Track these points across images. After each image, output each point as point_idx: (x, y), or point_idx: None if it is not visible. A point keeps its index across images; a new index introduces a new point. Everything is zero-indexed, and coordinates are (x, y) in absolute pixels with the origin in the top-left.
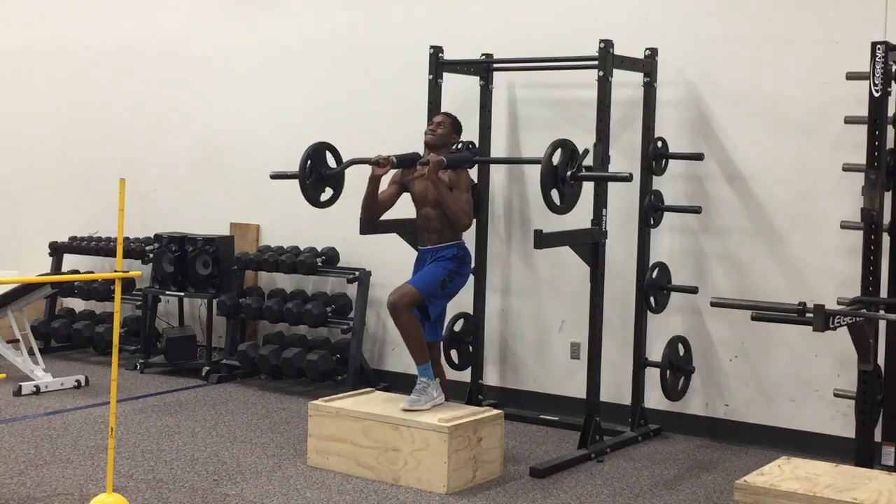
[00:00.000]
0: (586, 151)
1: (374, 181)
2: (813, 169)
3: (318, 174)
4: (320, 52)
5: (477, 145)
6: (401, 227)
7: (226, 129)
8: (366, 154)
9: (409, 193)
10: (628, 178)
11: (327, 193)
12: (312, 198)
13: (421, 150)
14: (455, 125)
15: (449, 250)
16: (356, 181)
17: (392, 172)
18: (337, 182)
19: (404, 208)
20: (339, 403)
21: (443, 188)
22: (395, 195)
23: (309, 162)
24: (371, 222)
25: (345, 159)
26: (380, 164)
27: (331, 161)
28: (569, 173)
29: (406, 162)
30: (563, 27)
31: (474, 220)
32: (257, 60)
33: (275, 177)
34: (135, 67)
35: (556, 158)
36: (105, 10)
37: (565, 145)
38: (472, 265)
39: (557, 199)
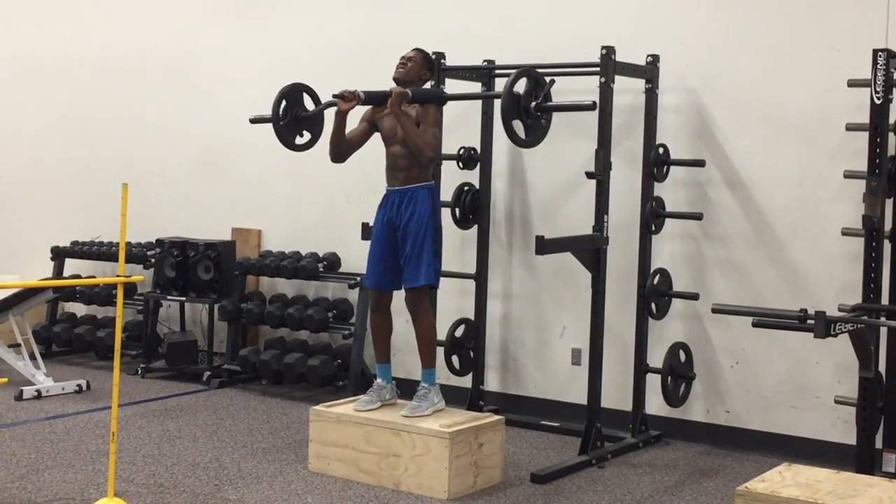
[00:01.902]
0: (552, 81)
1: (340, 116)
2: (814, 176)
3: (294, 116)
4: (322, 58)
5: (479, 151)
6: None
7: (228, 135)
8: (371, 158)
9: (379, 134)
10: (591, 107)
11: (304, 137)
12: (287, 140)
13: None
14: (426, 61)
15: (420, 193)
16: (357, 182)
17: (363, 110)
18: (314, 125)
19: None
20: (341, 409)
21: (405, 120)
22: (364, 133)
23: (284, 103)
24: (339, 160)
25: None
26: (345, 98)
27: (309, 104)
28: (533, 104)
29: (375, 99)
30: (564, 33)
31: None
32: (259, 66)
33: (254, 120)
34: (137, 72)
35: (521, 88)
36: (107, 15)
37: (529, 74)
38: (474, 271)
39: (522, 132)
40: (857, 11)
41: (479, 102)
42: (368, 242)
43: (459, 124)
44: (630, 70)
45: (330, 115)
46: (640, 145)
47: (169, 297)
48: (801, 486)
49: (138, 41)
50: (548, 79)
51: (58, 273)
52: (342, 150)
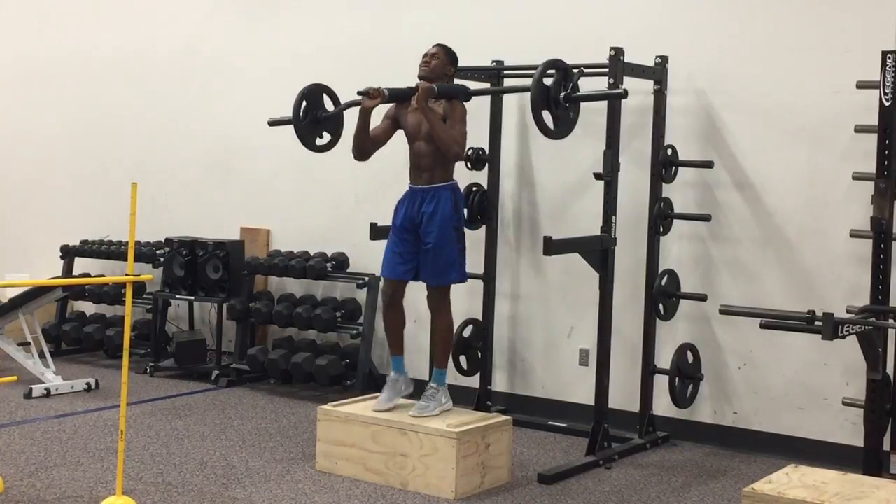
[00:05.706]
0: (581, 72)
1: (364, 114)
2: (823, 177)
3: (314, 117)
4: (331, 58)
5: (487, 151)
6: None
7: (237, 134)
8: (380, 158)
9: (402, 130)
10: (623, 95)
11: (325, 138)
12: (308, 141)
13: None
14: (450, 56)
15: (443, 193)
16: (366, 182)
17: (386, 107)
18: (334, 126)
19: None
20: (348, 408)
21: (432, 116)
22: (387, 130)
23: (304, 104)
24: (363, 158)
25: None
26: (370, 94)
27: (329, 105)
28: (562, 94)
29: (399, 96)
30: (573, 34)
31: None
32: (268, 65)
33: (272, 123)
34: (146, 72)
35: (549, 80)
36: (117, 15)
37: (557, 65)
38: (483, 271)
39: (550, 122)
40: (867, 13)
41: (488, 103)
42: (377, 242)
43: (468, 124)
44: (639, 71)
45: (349, 117)
46: (648, 146)
47: (178, 297)
48: (808, 488)
49: (149, 41)
50: (575, 70)
51: (67, 272)
52: (366, 147)
